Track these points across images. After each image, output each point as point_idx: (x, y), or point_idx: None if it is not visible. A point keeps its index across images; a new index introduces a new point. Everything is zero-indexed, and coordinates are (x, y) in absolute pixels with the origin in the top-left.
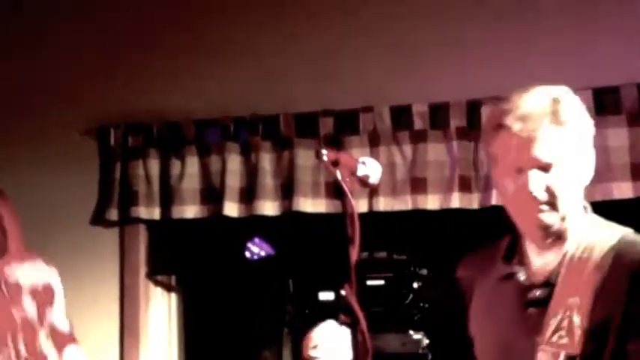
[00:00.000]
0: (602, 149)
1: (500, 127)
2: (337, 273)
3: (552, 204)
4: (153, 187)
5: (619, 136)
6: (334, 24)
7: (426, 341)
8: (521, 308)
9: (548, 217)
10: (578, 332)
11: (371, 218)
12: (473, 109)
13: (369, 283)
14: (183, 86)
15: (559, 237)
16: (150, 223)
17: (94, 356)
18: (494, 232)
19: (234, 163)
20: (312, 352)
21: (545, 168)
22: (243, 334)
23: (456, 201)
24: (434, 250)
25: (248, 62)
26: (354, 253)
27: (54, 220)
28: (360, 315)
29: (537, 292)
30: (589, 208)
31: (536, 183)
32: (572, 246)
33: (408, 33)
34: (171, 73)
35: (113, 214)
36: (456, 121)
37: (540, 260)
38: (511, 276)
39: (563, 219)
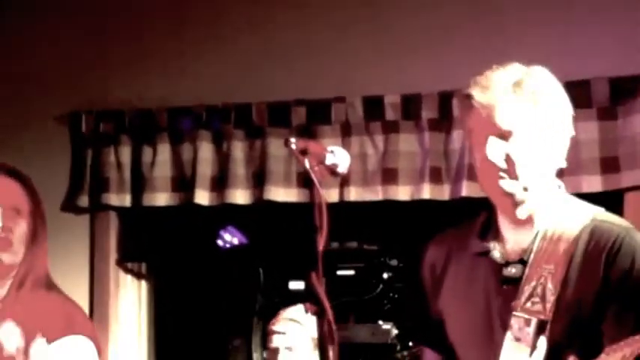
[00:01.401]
0: (572, 143)
1: (468, 97)
2: (307, 262)
3: (511, 172)
4: (124, 174)
5: (589, 129)
6: (307, 14)
7: (395, 331)
8: (497, 285)
9: (508, 185)
10: (551, 299)
11: (342, 208)
12: (445, 100)
13: (340, 273)
14: (156, 74)
15: (530, 215)
16: (121, 211)
17: None
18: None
19: (206, 151)
20: (275, 327)
21: (504, 136)
22: (213, 322)
23: (426, 192)
24: (404, 240)
25: (221, 51)
26: (321, 242)
27: None
28: (327, 304)
29: (512, 270)
30: (563, 188)
31: (494, 150)
32: (545, 222)
33: (381, 23)
34: (144, 61)
35: (84, 201)
36: (428, 112)
37: (514, 237)
38: (486, 253)
39: (525, 189)
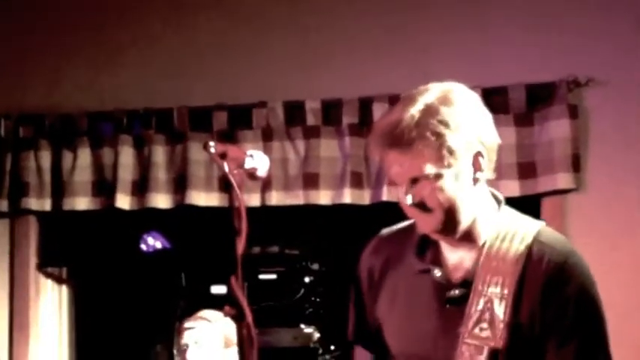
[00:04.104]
0: None
1: (371, 148)
2: (228, 266)
3: (430, 211)
4: (44, 178)
5: (506, 135)
6: (229, 19)
7: (317, 335)
8: (440, 305)
9: (433, 224)
10: (500, 325)
11: (264, 213)
12: (365, 105)
13: (262, 277)
14: (76, 78)
15: (468, 235)
16: (41, 215)
17: None
18: (384, 227)
19: (127, 156)
20: (185, 324)
21: (417, 181)
22: (135, 327)
23: (347, 197)
24: (326, 245)
25: (142, 55)
26: (241, 246)
27: None
28: (246, 307)
29: (456, 291)
30: (502, 200)
31: (409, 199)
32: (487, 240)
33: (302, 29)
34: (64, 64)
35: (3, 206)
36: (348, 117)
37: (455, 256)
38: (426, 271)
39: (455, 222)
